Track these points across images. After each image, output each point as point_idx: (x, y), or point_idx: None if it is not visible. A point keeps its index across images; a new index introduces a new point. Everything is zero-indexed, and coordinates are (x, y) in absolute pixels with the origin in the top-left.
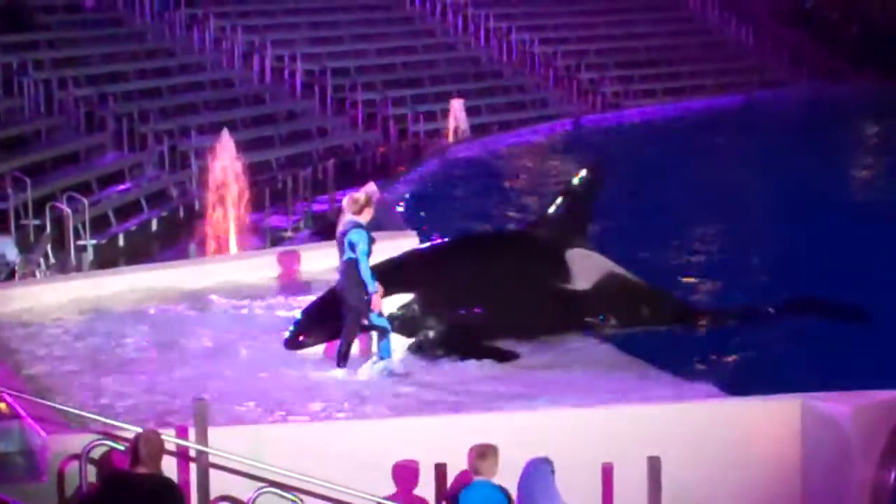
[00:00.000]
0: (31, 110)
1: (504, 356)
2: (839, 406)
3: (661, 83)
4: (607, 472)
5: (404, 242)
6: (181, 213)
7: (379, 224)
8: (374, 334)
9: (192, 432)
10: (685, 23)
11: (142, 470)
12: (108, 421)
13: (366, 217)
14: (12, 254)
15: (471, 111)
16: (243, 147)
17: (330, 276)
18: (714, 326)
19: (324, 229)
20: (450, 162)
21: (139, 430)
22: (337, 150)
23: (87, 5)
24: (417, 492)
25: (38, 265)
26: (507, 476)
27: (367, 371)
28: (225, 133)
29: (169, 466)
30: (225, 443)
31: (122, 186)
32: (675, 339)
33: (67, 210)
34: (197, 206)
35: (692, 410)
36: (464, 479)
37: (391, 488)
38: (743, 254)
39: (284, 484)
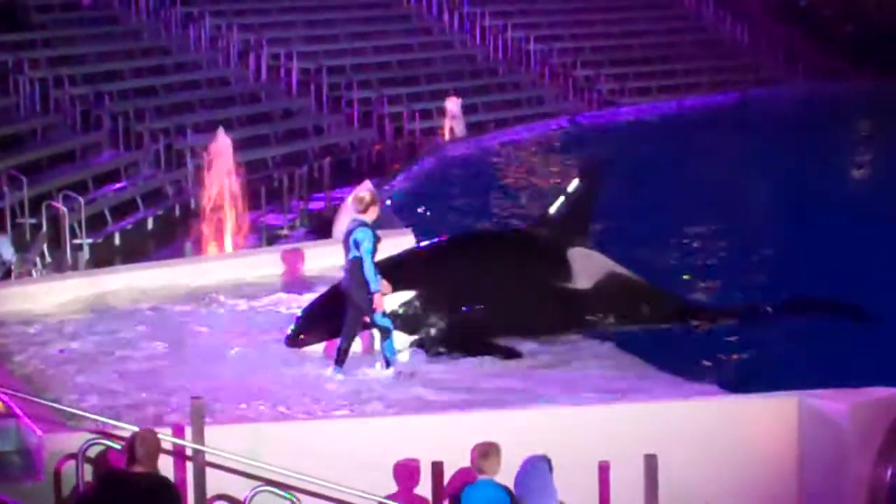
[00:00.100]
0: (26, 109)
1: (505, 354)
2: (836, 403)
3: (656, 81)
4: (604, 471)
5: (400, 241)
6: (177, 212)
7: (375, 223)
8: (377, 333)
9: (188, 431)
10: (680, 20)
11: (138, 469)
12: (104, 420)
13: (371, 215)
14: (8, 253)
15: (467, 109)
16: (239, 145)
17: (329, 274)
18: (713, 325)
19: (319, 227)
20: (445, 160)
21: (136, 429)
22: (333, 148)
23: (82, 4)
24: (415, 490)
25: (35, 264)
26: (504, 473)
27: (369, 371)
28: (221, 132)
29: (165, 465)
30: (222, 441)
31: (118, 185)
32: (674, 338)
33: (63, 209)
34: (193, 205)
35: (689, 408)
36: (463, 478)
37: (388, 487)
38: (739, 252)
39: (281, 483)
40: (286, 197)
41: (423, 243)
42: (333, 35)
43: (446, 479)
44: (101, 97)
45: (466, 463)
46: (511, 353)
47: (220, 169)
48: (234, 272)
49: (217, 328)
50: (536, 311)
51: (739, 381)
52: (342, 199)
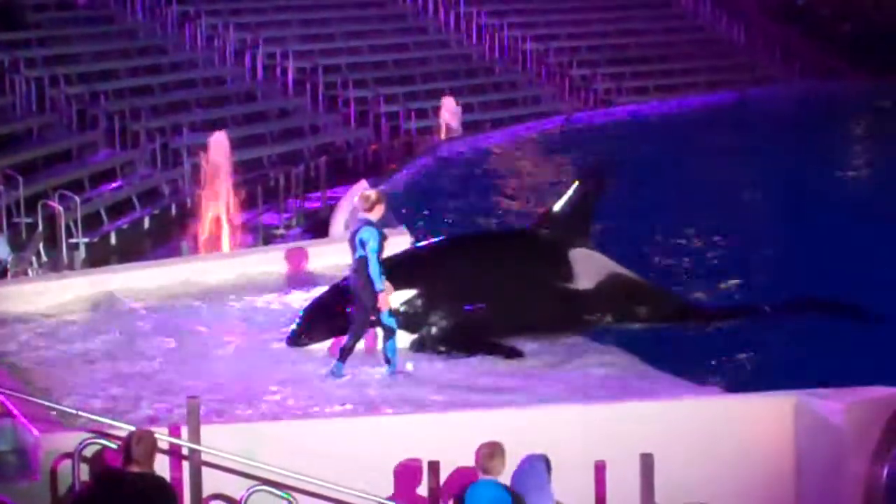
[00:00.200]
0: (22, 108)
1: (506, 354)
2: (833, 403)
3: (653, 80)
4: (600, 470)
5: (396, 240)
6: (173, 211)
7: (380, 221)
8: (381, 333)
9: (184, 430)
10: (677, 20)
11: (134, 468)
12: (101, 419)
13: (377, 214)
14: (4, 252)
15: (463, 108)
16: (235, 145)
17: (330, 273)
18: (712, 325)
19: (316, 227)
20: (441, 159)
21: (132, 428)
22: (329, 147)
23: (78, 3)
24: (411, 490)
25: (31, 263)
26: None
27: (370, 370)
28: (221, 133)
29: (161, 465)
30: (218, 441)
31: (114, 184)
32: (673, 338)
33: (59, 208)
34: (189, 204)
35: (686, 408)
36: (461, 477)
37: (385, 486)
38: (736, 252)
39: (277, 482)
40: (282, 196)
41: (425, 242)
42: (329, 34)
43: (444, 479)
44: (96, 96)
45: (464, 462)
46: (512, 353)
47: (217, 168)
48: (235, 271)
49: (217, 327)
50: (537, 310)
51: (737, 381)
52: (338, 199)
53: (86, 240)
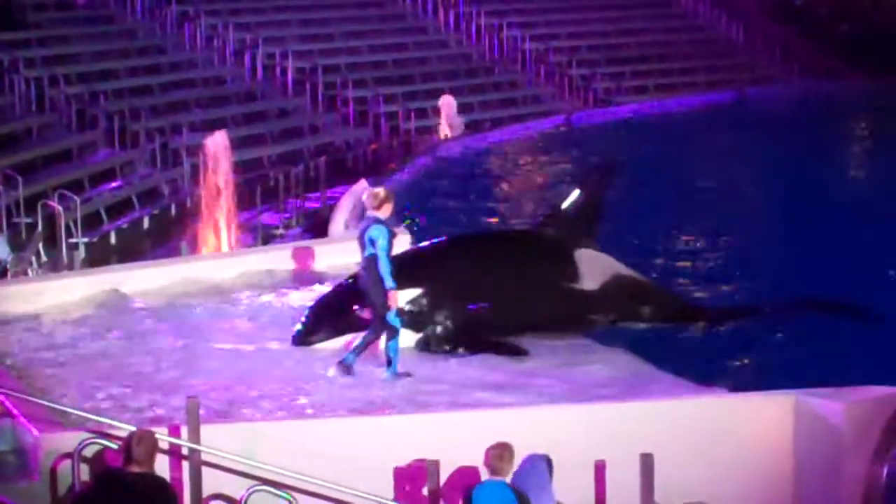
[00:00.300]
0: (22, 108)
1: (510, 352)
2: (832, 402)
3: (652, 80)
4: (600, 470)
5: (396, 240)
6: (173, 211)
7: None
8: (385, 332)
9: (184, 430)
10: (676, 19)
11: (135, 469)
12: (100, 419)
13: (385, 212)
14: (4, 252)
15: (462, 108)
16: (235, 145)
17: (332, 272)
18: (715, 325)
19: (315, 226)
20: (441, 159)
21: (132, 428)
22: (328, 147)
23: (77, 3)
24: (411, 489)
25: (31, 263)
26: None
27: (374, 370)
28: (222, 133)
29: (161, 465)
30: (218, 441)
31: (113, 184)
32: (673, 338)
33: (59, 208)
34: (189, 204)
35: (686, 407)
36: (463, 477)
37: (385, 486)
38: (736, 252)
39: (277, 482)
40: (282, 196)
41: (431, 242)
42: (328, 34)
43: (444, 479)
44: (96, 96)
45: (465, 462)
46: (516, 351)
47: (216, 168)
48: (239, 270)
49: (221, 326)
50: (542, 310)
51: (737, 381)
52: (338, 199)
53: (85, 240)
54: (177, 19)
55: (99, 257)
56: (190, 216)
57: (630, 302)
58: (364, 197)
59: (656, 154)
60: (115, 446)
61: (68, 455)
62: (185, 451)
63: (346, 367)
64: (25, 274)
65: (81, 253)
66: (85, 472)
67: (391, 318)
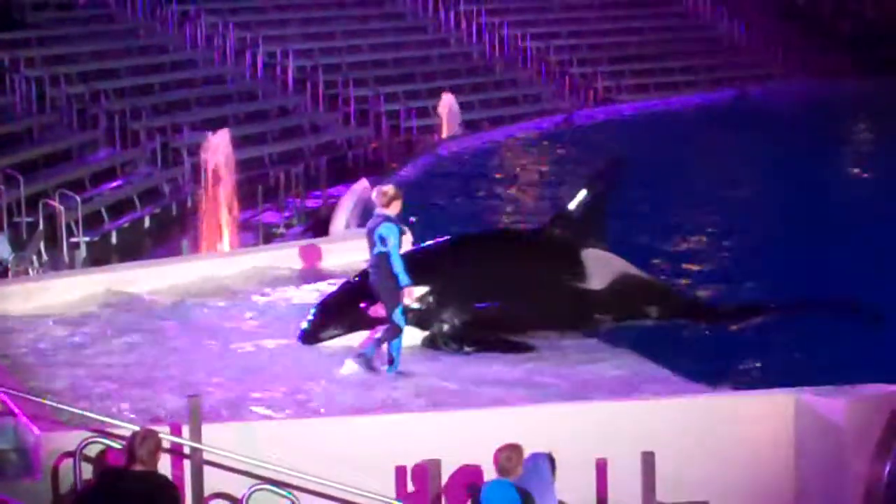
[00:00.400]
0: (22, 107)
1: (517, 349)
2: (833, 400)
3: (653, 78)
4: (601, 468)
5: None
6: (174, 210)
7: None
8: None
9: (185, 429)
10: (677, 18)
11: (138, 468)
12: (102, 418)
13: (394, 210)
14: (5, 251)
15: (463, 107)
16: (236, 144)
17: (334, 270)
18: (720, 323)
19: (316, 225)
20: (442, 158)
21: (132, 427)
22: (329, 146)
23: (78, 2)
24: (413, 488)
25: (31, 262)
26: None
27: (357, 369)
28: (222, 132)
29: (163, 463)
30: (219, 439)
31: (114, 183)
32: (676, 336)
33: (60, 207)
34: (189, 203)
35: (687, 405)
36: (465, 475)
37: (386, 484)
38: (737, 251)
39: (278, 481)
40: (282, 195)
41: (439, 240)
42: (329, 33)
43: (446, 477)
44: (97, 95)
45: (467, 461)
46: (522, 348)
47: (217, 167)
48: (243, 268)
49: (226, 324)
50: (548, 310)
51: (738, 379)
52: (338, 198)
53: (86, 239)
54: (177, 18)
55: (100, 257)
56: (191, 215)
57: (637, 301)
58: (373, 195)
59: (657, 153)
60: (116, 445)
61: (70, 454)
62: (186, 450)
63: (366, 360)
64: (26, 273)
65: (82, 252)
66: (87, 471)
67: (396, 316)
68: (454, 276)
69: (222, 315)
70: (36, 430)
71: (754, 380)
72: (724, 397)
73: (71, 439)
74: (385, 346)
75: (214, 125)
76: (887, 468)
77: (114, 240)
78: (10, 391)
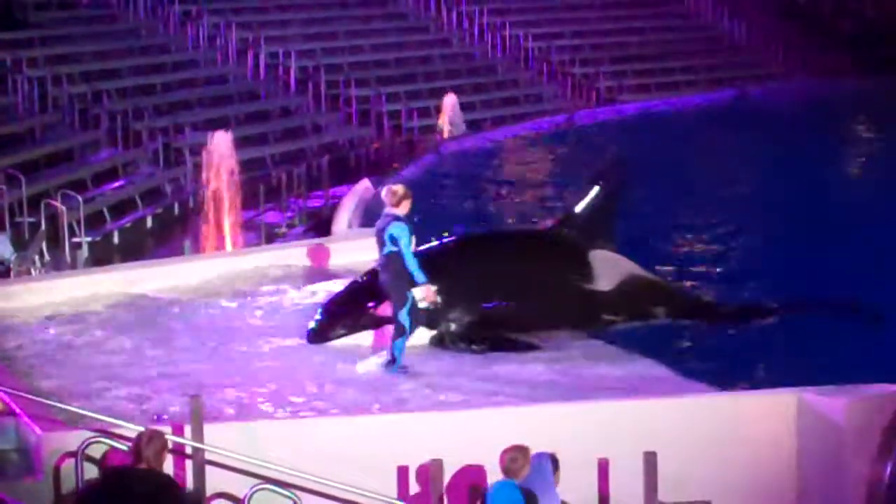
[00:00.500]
0: (24, 107)
1: (524, 348)
2: (834, 400)
3: (654, 78)
4: (603, 467)
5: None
6: (176, 210)
7: (373, 221)
8: (392, 329)
9: (187, 429)
10: (678, 18)
11: (143, 468)
12: (103, 418)
13: (404, 209)
14: (7, 251)
15: (465, 107)
16: (238, 144)
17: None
18: (725, 323)
19: (318, 226)
20: (444, 158)
21: (134, 426)
22: (331, 146)
23: (80, 2)
24: (415, 488)
25: (33, 263)
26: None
27: (374, 369)
28: (221, 133)
29: (165, 463)
30: (221, 439)
31: (116, 183)
32: (678, 337)
33: (62, 207)
34: (191, 203)
35: (689, 405)
36: (468, 475)
37: (388, 484)
38: (737, 251)
39: (280, 481)
40: (284, 195)
41: (448, 239)
42: (331, 33)
43: (448, 477)
44: (99, 96)
45: (469, 460)
46: (529, 347)
47: (219, 167)
48: (247, 268)
49: (230, 324)
50: (554, 309)
51: (740, 379)
52: (340, 198)
53: (88, 239)
54: (179, 18)
55: (102, 257)
56: (193, 215)
57: (643, 302)
58: (382, 194)
59: (657, 153)
60: (118, 445)
61: (71, 454)
62: (188, 450)
63: (392, 363)
64: (28, 273)
65: (84, 252)
66: (88, 471)
67: (402, 316)
68: (462, 275)
69: (229, 315)
70: (37, 430)
71: (756, 380)
72: (725, 397)
73: (72, 439)
74: (393, 343)
75: (216, 125)
76: (889, 468)
77: (116, 240)
78: (12, 391)
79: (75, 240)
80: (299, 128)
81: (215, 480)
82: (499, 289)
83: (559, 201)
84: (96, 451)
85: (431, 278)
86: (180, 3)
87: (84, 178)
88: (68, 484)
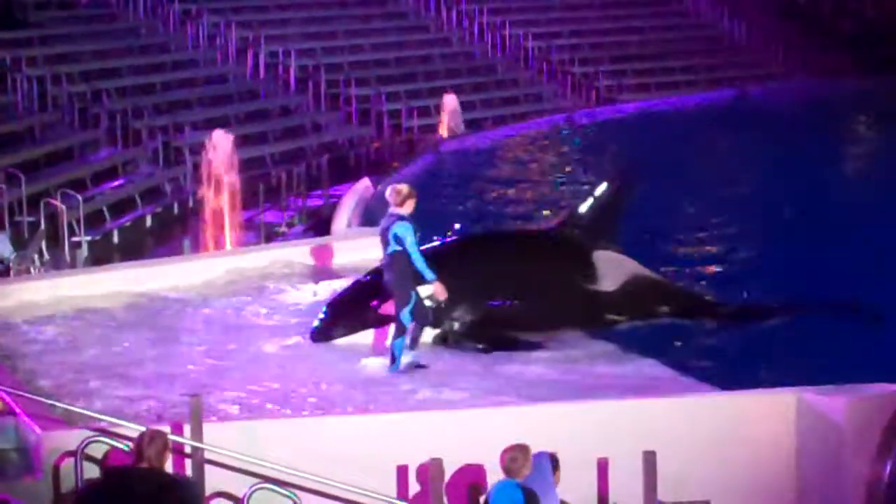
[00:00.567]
0: (24, 106)
1: (526, 348)
2: (834, 400)
3: (654, 78)
4: (603, 467)
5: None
6: (175, 209)
7: (373, 220)
8: (392, 328)
9: (186, 428)
10: (678, 17)
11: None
12: (103, 417)
13: (408, 209)
14: (7, 250)
15: (465, 106)
16: (237, 143)
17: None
18: (727, 324)
19: (317, 225)
20: (443, 157)
21: (133, 426)
22: (331, 145)
23: (80, 1)
24: (414, 487)
25: (33, 262)
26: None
27: (376, 368)
28: (223, 131)
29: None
30: (220, 439)
31: (116, 182)
32: (678, 336)
33: (62, 206)
34: (191, 202)
35: (688, 405)
36: (468, 475)
37: (388, 484)
38: (737, 250)
39: (280, 480)
40: (284, 194)
41: (452, 239)
42: (331, 32)
43: (448, 477)
44: (98, 95)
45: (469, 460)
46: (532, 347)
47: (218, 166)
48: (252, 266)
49: (233, 323)
50: (557, 309)
51: (740, 378)
52: (340, 197)
53: (88, 238)
54: (179, 17)
55: (101, 256)
56: (192, 214)
57: (647, 302)
58: (387, 193)
59: (657, 153)
60: (117, 444)
61: (71, 453)
62: (188, 449)
63: (412, 365)
64: (28, 272)
65: (84, 251)
66: (88, 470)
67: (404, 316)
68: (466, 274)
69: (230, 314)
70: (37, 430)
71: (756, 380)
72: (725, 397)
73: (72, 438)
74: (393, 342)
75: (216, 124)
76: (888, 468)
77: (115, 239)
78: (12, 390)
79: (75, 239)
80: (299, 127)
81: (215, 480)
82: (502, 288)
83: (558, 200)
84: (96, 451)
85: (438, 277)
86: (180, 3)
87: (84, 177)
88: (68, 483)
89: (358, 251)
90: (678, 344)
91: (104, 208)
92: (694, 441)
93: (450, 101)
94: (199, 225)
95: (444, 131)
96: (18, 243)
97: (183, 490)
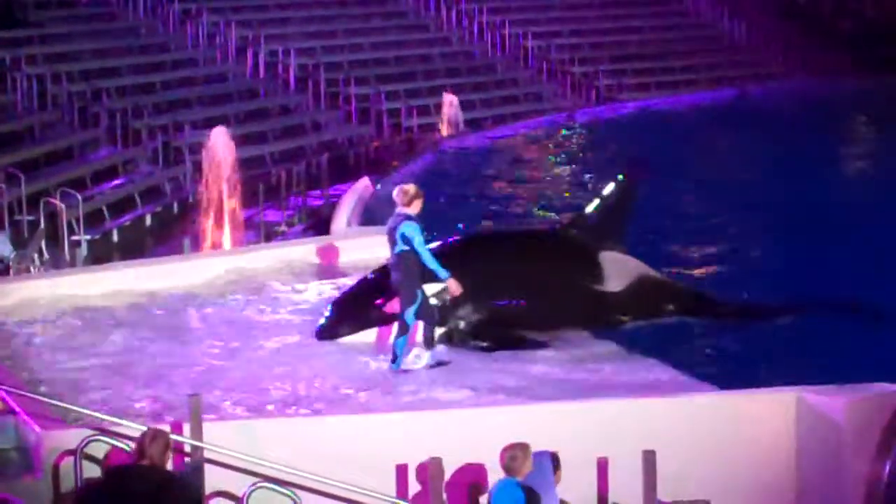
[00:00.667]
0: (24, 106)
1: (532, 347)
2: (834, 399)
3: (654, 77)
4: (602, 467)
5: None
6: (175, 209)
7: (372, 219)
8: (396, 327)
9: (186, 427)
10: (678, 17)
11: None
12: (103, 416)
13: (415, 209)
14: (6, 250)
15: (464, 105)
16: (237, 142)
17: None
18: (727, 324)
19: (317, 224)
20: (443, 156)
21: (133, 425)
22: (330, 144)
23: (80, 0)
24: (415, 486)
25: (33, 261)
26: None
27: (377, 367)
28: (223, 130)
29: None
30: (220, 438)
31: (115, 182)
32: (679, 336)
33: (61, 205)
34: (191, 201)
35: (688, 404)
36: (468, 474)
37: (387, 483)
38: (737, 250)
39: (279, 479)
40: (284, 193)
41: (457, 238)
42: (331, 31)
43: (449, 476)
44: (98, 94)
45: (469, 459)
46: (538, 346)
47: (218, 166)
48: (255, 265)
49: (236, 322)
50: (562, 309)
51: (740, 378)
52: (340, 196)
53: (88, 237)
54: (179, 17)
55: (101, 255)
56: (192, 214)
57: (652, 302)
58: (394, 193)
59: (657, 152)
60: (117, 443)
61: (71, 452)
62: (187, 448)
63: (437, 363)
64: (28, 271)
65: (83, 250)
66: (87, 469)
67: (408, 315)
68: (471, 273)
69: (231, 313)
70: (37, 429)
71: (756, 380)
72: (725, 396)
73: (72, 437)
74: (395, 341)
75: (216, 124)
76: (887, 467)
77: (115, 238)
78: (12, 390)
79: (74, 238)
80: (299, 126)
81: (214, 479)
82: (507, 287)
83: (558, 200)
84: (95, 450)
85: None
86: (180, 2)
87: (83, 176)
88: (67, 482)
89: (357, 250)
90: (678, 344)
91: (104, 207)
92: (694, 441)
93: (449, 100)
94: (198, 224)
95: (443, 130)
96: (18, 242)
97: (182, 488)
